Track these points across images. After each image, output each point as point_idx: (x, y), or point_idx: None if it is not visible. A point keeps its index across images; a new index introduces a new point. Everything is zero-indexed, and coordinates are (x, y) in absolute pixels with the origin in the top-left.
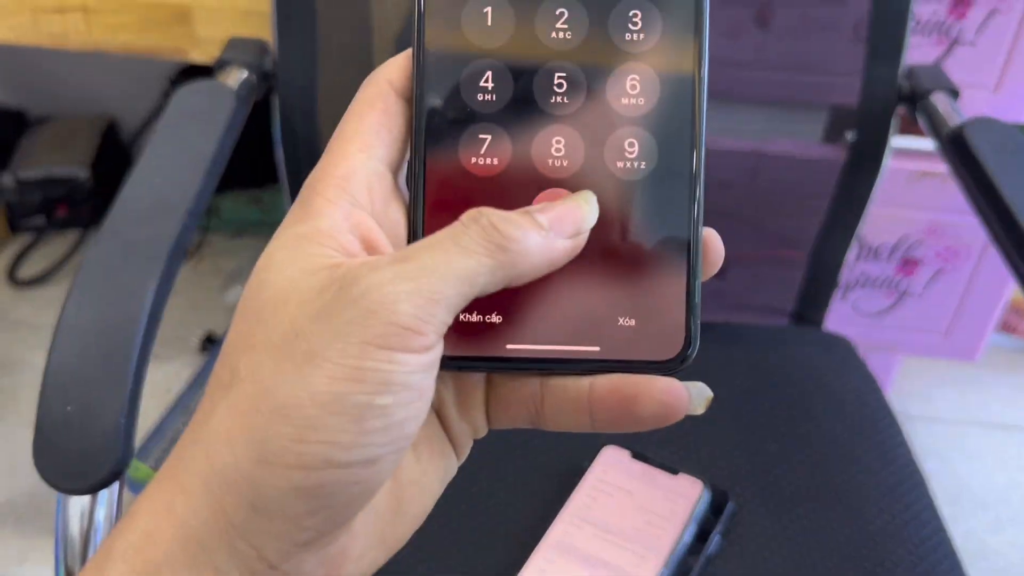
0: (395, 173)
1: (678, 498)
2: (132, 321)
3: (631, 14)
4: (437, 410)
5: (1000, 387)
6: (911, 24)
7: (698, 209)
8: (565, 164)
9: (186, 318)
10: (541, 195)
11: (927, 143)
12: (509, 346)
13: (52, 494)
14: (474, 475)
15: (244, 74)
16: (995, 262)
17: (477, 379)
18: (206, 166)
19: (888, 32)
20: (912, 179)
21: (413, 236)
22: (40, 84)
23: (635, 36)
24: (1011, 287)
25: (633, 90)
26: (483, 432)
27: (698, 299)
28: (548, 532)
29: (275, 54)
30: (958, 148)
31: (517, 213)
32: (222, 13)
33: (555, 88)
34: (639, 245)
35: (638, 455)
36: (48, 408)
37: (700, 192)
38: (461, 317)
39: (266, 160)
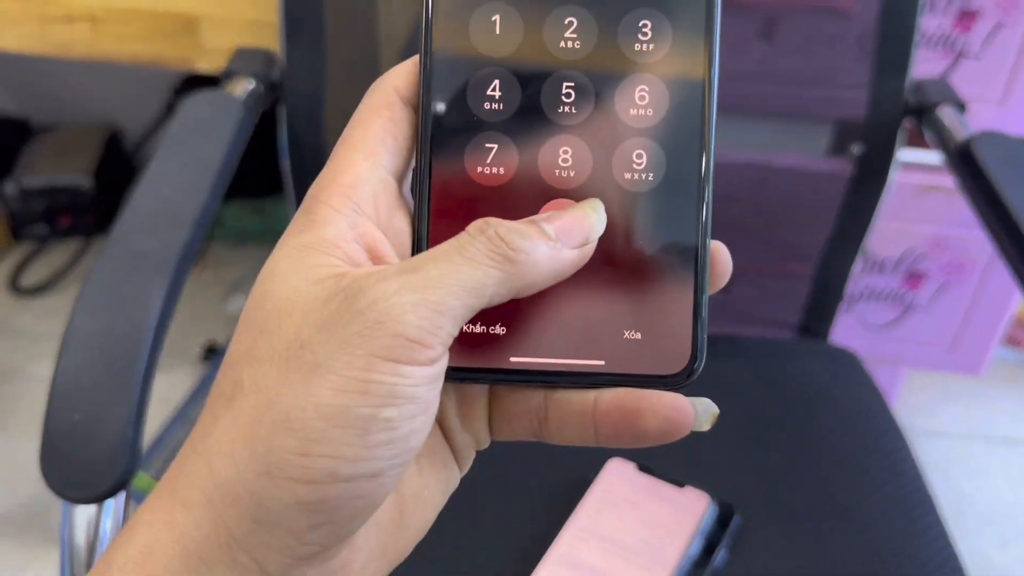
0: (400, 181)
1: (684, 511)
2: (139, 330)
3: (641, 24)
4: (440, 421)
5: (1005, 401)
6: (918, 37)
7: (706, 222)
8: (572, 174)
9: (187, 328)
10: (547, 205)
11: (932, 156)
12: (513, 359)
13: (53, 503)
14: (478, 488)
15: (251, 84)
16: (1000, 276)
17: (480, 391)
18: (213, 176)
19: (895, 45)
20: (917, 193)
21: (417, 246)
22: (44, 93)
23: (645, 46)
24: (1016, 301)
25: (642, 100)
26: (486, 444)
27: (705, 313)
28: (553, 545)
29: (283, 64)
30: (966, 162)
31: (524, 223)
32: (229, 23)
33: (563, 97)
34: (645, 257)
35: (644, 467)
36: (55, 416)
37: (708, 205)
38: (465, 329)
39: (269, 170)
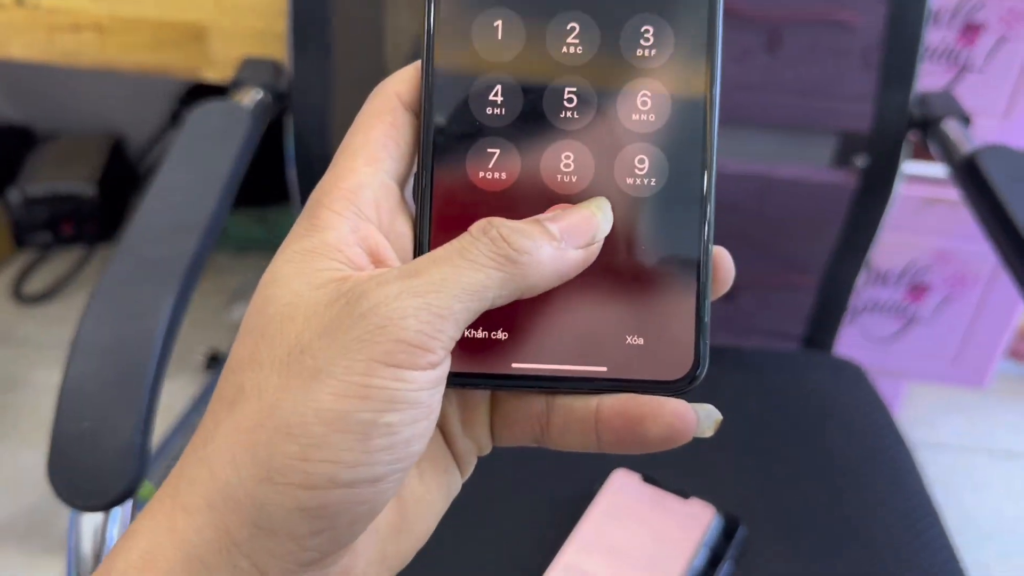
0: (402, 186)
1: (689, 523)
2: (148, 338)
3: (643, 29)
4: (441, 426)
5: (1008, 414)
6: (923, 50)
7: (708, 227)
8: (574, 180)
9: (190, 336)
10: (549, 211)
11: (936, 169)
12: (515, 364)
13: (55, 511)
14: (483, 499)
15: (259, 94)
16: (1004, 289)
17: (482, 396)
18: (222, 185)
19: (900, 58)
20: (921, 205)
21: (419, 250)
22: (48, 101)
23: (647, 51)
24: (1020, 314)
25: (644, 106)
26: (487, 450)
27: (707, 319)
28: (558, 557)
29: (290, 74)
30: (971, 174)
31: (528, 222)
32: (236, 33)
33: (565, 103)
34: (648, 263)
35: (649, 479)
36: (63, 424)
37: (711, 210)
38: (467, 333)
39: (272, 179)
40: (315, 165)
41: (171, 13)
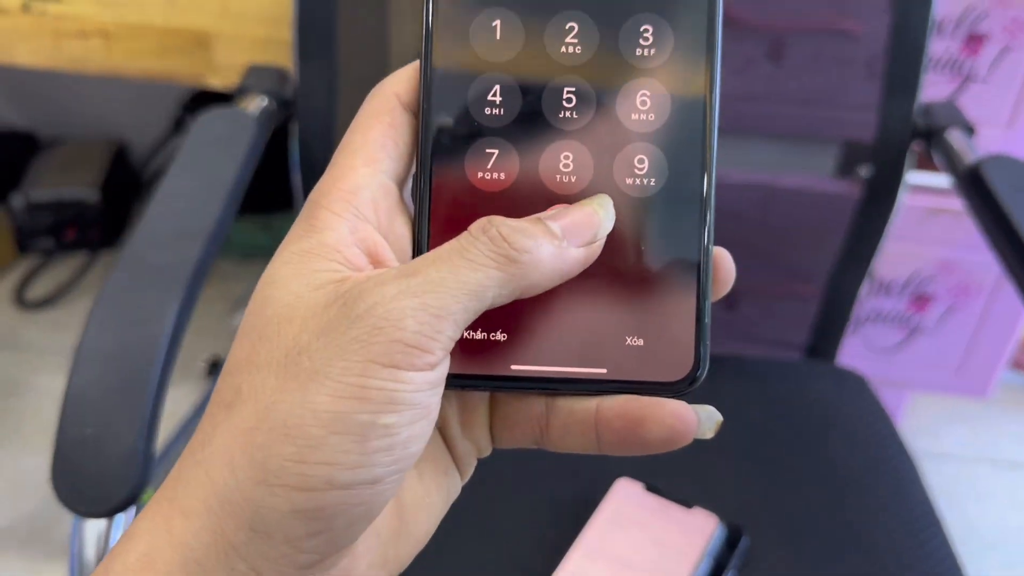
0: (400, 187)
1: (693, 532)
2: (153, 345)
3: (642, 29)
4: (440, 428)
5: (1011, 424)
6: (927, 60)
7: (708, 227)
8: (573, 180)
9: (192, 343)
10: (549, 210)
11: (940, 179)
12: (514, 366)
13: (57, 517)
14: (484, 507)
15: (264, 101)
16: (1007, 299)
17: (481, 397)
18: (226, 192)
19: (904, 68)
20: (925, 215)
21: (418, 250)
22: (51, 107)
23: (646, 51)
24: (1023, 324)
25: (643, 105)
26: (487, 452)
27: (708, 320)
28: (561, 566)
29: (295, 82)
30: (975, 185)
31: (529, 221)
32: (241, 40)
33: (564, 103)
34: (648, 263)
35: (652, 488)
36: (67, 430)
37: (711, 210)
38: (466, 335)
39: (277, 186)
40: (320, 172)
41: (177, 20)
